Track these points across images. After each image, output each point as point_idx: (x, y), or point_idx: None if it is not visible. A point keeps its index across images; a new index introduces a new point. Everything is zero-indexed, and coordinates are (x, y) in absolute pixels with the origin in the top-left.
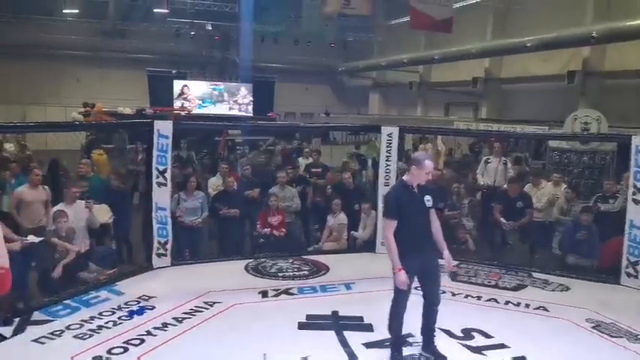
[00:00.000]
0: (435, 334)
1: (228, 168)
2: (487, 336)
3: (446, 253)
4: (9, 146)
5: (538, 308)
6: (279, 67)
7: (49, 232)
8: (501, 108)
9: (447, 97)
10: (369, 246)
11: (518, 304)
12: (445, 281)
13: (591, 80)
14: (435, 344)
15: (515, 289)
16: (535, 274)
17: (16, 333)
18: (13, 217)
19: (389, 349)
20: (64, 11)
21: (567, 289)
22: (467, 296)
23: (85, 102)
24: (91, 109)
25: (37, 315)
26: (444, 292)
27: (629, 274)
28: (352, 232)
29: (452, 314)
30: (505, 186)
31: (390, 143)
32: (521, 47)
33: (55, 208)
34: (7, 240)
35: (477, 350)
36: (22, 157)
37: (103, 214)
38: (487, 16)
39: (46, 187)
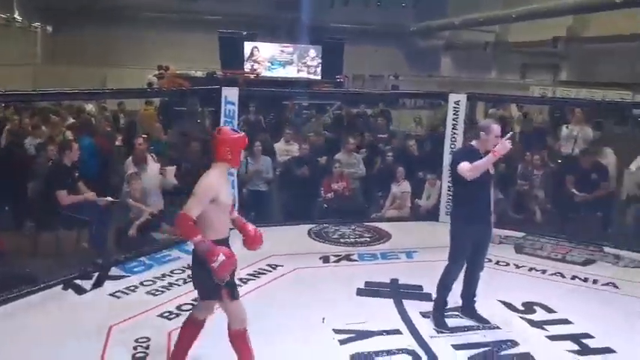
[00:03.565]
0: (475, 299)
1: (293, 133)
2: (549, 310)
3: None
4: (89, 108)
5: (607, 284)
6: (349, 29)
7: (124, 193)
8: (583, 70)
9: (524, 58)
10: (432, 215)
11: (585, 280)
12: (509, 253)
13: None
14: (476, 309)
15: (584, 263)
16: (607, 249)
17: (95, 286)
18: None
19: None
20: None
21: None
22: (531, 269)
23: (160, 65)
24: (165, 72)
25: (114, 270)
26: (507, 264)
27: None
28: (416, 200)
29: (514, 287)
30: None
31: (458, 111)
32: (610, 4)
33: (129, 171)
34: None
35: (538, 325)
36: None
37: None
38: None
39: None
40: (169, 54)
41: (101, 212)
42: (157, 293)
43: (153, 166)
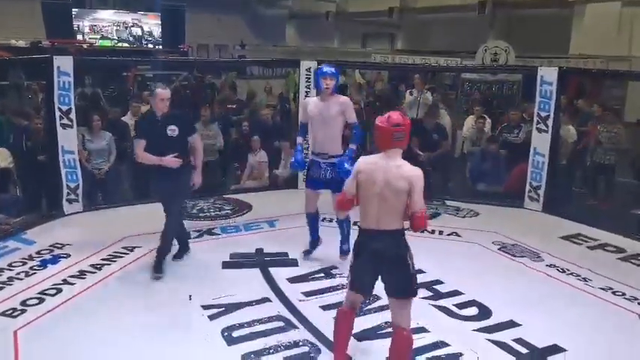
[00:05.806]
0: (189, 240)
1: (139, 107)
2: None
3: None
4: None
5: (451, 234)
6: None
7: None
8: (416, 39)
9: (363, 28)
10: (290, 183)
11: (433, 232)
12: None
13: (501, 10)
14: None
15: (431, 217)
16: (448, 202)
17: None
18: None
19: (307, 282)
20: None
21: (477, 214)
22: None
23: None
24: None
25: None
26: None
27: (531, 198)
28: (274, 170)
29: None
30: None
31: (309, 78)
32: None
33: None
34: None
35: None
36: None
37: (3, 158)
38: None
39: None
40: None
41: None
42: None
43: None
